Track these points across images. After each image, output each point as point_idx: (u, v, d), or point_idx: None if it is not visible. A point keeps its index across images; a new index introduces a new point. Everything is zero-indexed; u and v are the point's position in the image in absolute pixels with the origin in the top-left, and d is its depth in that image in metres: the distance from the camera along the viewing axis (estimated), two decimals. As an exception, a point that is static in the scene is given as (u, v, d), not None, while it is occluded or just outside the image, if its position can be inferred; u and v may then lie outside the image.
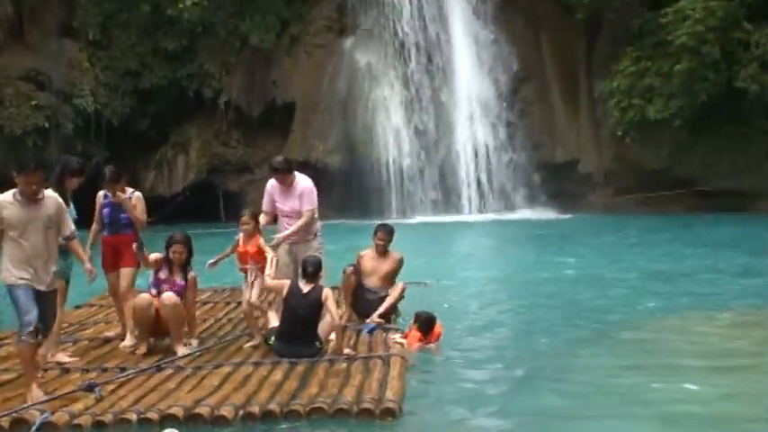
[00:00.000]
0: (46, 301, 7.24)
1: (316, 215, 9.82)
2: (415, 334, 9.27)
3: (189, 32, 37.60)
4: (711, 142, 32.35)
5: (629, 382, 7.66)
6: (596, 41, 35.92)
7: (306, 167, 36.67)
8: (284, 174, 9.67)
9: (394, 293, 10.33)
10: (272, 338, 8.69)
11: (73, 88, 36.43)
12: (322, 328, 8.50)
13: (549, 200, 36.37)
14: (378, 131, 37.08)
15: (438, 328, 9.46)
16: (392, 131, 37.14)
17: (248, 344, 9.07)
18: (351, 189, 36.09)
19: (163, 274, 8.89)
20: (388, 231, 10.70)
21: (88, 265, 8.10)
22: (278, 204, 9.65)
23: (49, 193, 7.42)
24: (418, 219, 35.03)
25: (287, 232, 9.48)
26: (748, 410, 6.77)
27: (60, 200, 7.59)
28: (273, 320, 9.02)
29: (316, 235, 9.84)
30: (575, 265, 17.93)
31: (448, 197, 37.27)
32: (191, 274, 9.00)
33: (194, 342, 9.11)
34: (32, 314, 6.99)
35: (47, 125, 35.31)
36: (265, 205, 9.80)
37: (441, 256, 20.73)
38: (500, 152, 37.30)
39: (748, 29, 30.76)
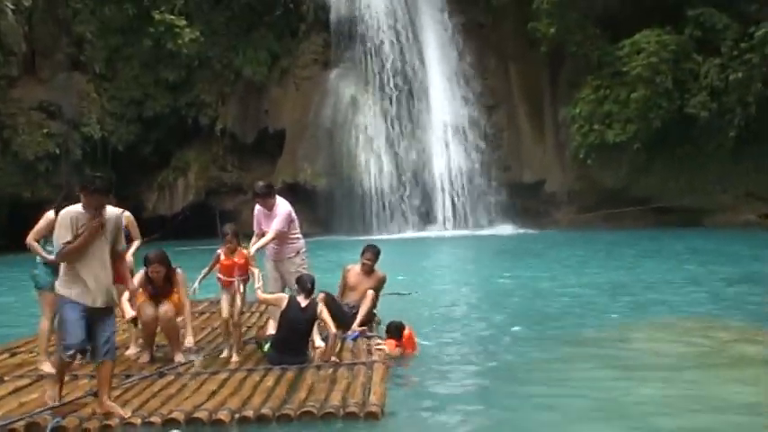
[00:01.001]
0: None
1: (297, 234, 9.87)
2: (391, 341, 9.31)
3: (187, 65, 37.75)
4: (666, 163, 32.66)
5: (597, 387, 7.66)
6: (560, 72, 36.22)
7: (295, 189, 37.10)
8: (264, 198, 9.67)
9: (366, 302, 10.30)
10: (267, 345, 8.66)
11: (81, 117, 36.45)
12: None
13: (517, 217, 36.56)
14: (360, 156, 37.26)
15: (408, 331, 9.48)
16: (373, 155, 37.32)
17: (222, 355, 8.78)
18: (336, 208, 36.25)
19: (151, 290, 8.83)
20: (374, 252, 10.66)
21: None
22: (263, 227, 9.67)
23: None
24: (397, 235, 35.13)
25: (258, 244, 9.42)
26: (708, 414, 6.78)
27: None
28: (271, 329, 8.99)
29: (298, 252, 9.82)
30: (542, 276, 17.95)
31: (424, 215, 37.43)
32: (177, 273, 8.88)
33: (190, 339, 8.94)
34: (77, 338, 6.53)
35: (57, 151, 35.28)
36: (255, 227, 9.79)
37: (417, 269, 20.74)
38: (472, 173, 37.50)
39: (698, 60, 31.15)
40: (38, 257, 8.46)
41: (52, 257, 7.41)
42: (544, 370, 8.48)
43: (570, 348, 9.60)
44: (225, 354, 8.74)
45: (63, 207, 8.30)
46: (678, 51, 30.88)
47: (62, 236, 6.56)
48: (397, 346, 9.27)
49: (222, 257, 8.82)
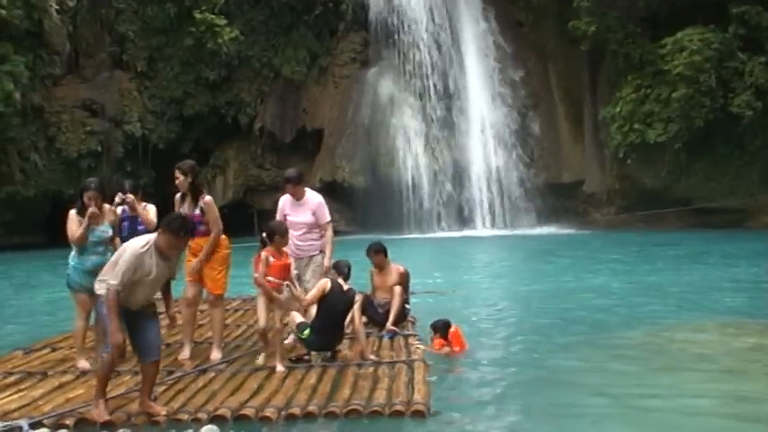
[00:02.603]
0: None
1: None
2: (438, 340, 9.23)
3: (227, 64, 38.00)
4: (708, 163, 32.15)
5: (642, 391, 7.51)
6: (599, 71, 35.83)
7: (333, 187, 37.13)
8: (296, 185, 9.46)
9: (396, 300, 10.20)
10: (307, 332, 8.43)
11: (123, 115, 36.87)
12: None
13: (555, 217, 36.29)
14: (398, 154, 37.21)
15: (455, 329, 9.38)
16: (411, 154, 37.23)
17: (258, 361, 8.37)
18: (373, 207, 36.20)
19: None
20: (377, 250, 10.56)
21: None
22: (289, 217, 9.32)
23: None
24: (434, 234, 35.02)
25: (328, 252, 9.33)
26: (745, 416, 6.62)
27: None
28: (298, 317, 8.70)
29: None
30: (582, 277, 17.74)
31: (461, 214, 37.25)
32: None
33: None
34: (119, 337, 6.28)
35: (99, 149, 35.74)
36: (278, 218, 9.35)
37: (455, 268, 20.61)
38: (510, 173, 37.27)
39: (742, 59, 30.59)
40: (70, 258, 8.44)
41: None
42: (588, 372, 8.32)
43: (614, 351, 9.40)
44: (260, 360, 8.31)
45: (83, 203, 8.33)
46: (722, 50, 30.36)
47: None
48: (443, 345, 9.18)
49: (272, 259, 8.31)
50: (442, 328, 9.36)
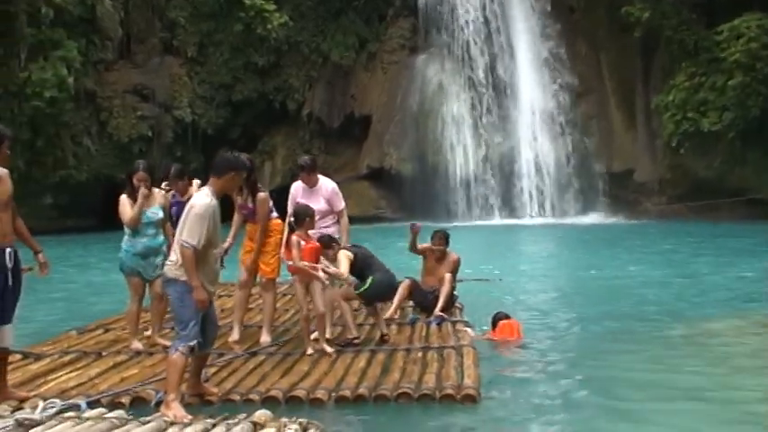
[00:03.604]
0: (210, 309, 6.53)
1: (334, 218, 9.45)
2: (492, 332, 9.36)
3: (276, 50, 38.24)
4: (763, 153, 31.42)
5: (691, 383, 7.42)
6: (653, 58, 35.26)
7: (380, 174, 37.20)
8: (310, 172, 9.35)
9: (445, 287, 10.21)
10: (369, 281, 8.54)
11: (173, 101, 37.35)
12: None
13: (605, 207, 35.93)
14: (446, 142, 37.11)
15: (508, 322, 9.40)
16: (459, 142, 37.12)
17: (308, 353, 8.09)
18: (420, 194, 36.17)
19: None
20: (443, 237, 10.57)
21: None
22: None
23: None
24: (481, 222, 34.90)
25: (345, 239, 9.22)
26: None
27: None
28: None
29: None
30: (632, 267, 17.54)
31: (510, 202, 37.05)
32: (260, 195, 8.69)
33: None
34: (198, 329, 6.22)
35: (150, 134, 36.24)
36: (290, 207, 9.16)
37: (502, 256, 20.54)
38: (560, 161, 36.97)
39: (802, 46, 29.87)
40: (122, 242, 8.54)
41: None
42: (638, 364, 8.23)
43: (665, 343, 9.30)
44: (309, 351, 8.09)
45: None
46: (781, 36, 29.67)
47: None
48: (499, 334, 9.29)
49: (302, 243, 8.23)
50: (502, 319, 9.51)
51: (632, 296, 13.09)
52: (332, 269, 8.40)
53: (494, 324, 9.53)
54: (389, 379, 6.95)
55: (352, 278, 8.78)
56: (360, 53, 39.13)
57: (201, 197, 6.26)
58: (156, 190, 8.67)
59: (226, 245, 8.28)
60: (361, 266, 8.66)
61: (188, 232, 6.12)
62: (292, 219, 8.45)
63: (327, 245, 8.61)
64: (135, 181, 8.39)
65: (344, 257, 8.57)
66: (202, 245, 6.11)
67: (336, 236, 9.08)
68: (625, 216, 34.29)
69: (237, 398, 6.55)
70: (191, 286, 6.11)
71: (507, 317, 9.58)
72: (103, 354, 8.28)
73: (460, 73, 38.24)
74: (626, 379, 7.47)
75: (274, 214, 8.94)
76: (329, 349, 8.05)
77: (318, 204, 9.13)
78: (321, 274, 8.23)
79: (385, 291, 8.97)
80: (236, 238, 8.85)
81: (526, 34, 38.43)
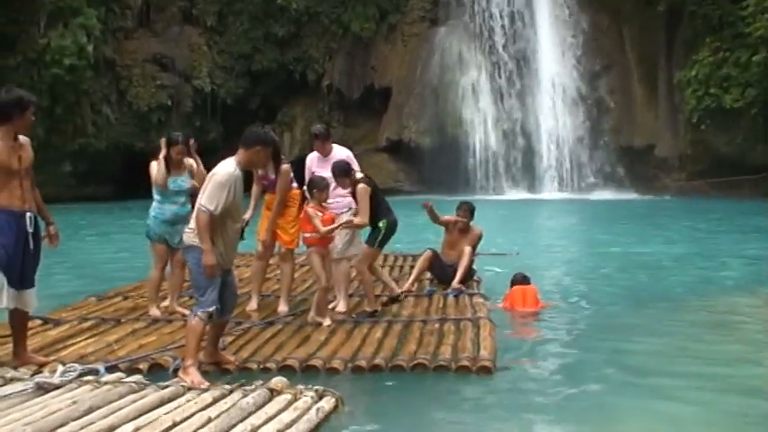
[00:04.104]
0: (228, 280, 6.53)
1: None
2: (515, 290, 9.38)
3: (296, 20, 38.11)
4: (787, 131, 31.16)
5: (708, 353, 7.42)
6: (676, 32, 34.87)
7: (399, 146, 37.12)
8: (324, 140, 9.26)
9: (464, 259, 10.20)
10: (382, 223, 8.47)
11: (192, 70, 37.36)
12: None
13: (625, 182, 35.79)
14: (466, 115, 36.98)
15: (521, 288, 9.43)
16: (479, 115, 36.97)
17: (325, 323, 8.02)
18: (439, 167, 36.08)
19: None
20: (468, 209, 10.52)
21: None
22: (317, 173, 8.95)
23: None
24: (501, 196, 34.82)
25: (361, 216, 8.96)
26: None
27: None
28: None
29: (350, 208, 9.08)
30: (649, 243, 17.48)
31: (529, 177, 36.94)
32: (283, 167, 8.63)
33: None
34: (216, 295, 6.23)
35: (169, 103, 36.27)
36: (307, 175, 9.04)
37: (520, 230, 20.50)
38: (580, 136, 36.78)
39: (829, 21, 29.44)
40: (151, 209, 8.56)
41: None
42: (656, 337, 8.21)
43: (684, 317, 9.26)
44: (327, 323, 8.03)
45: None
46: (807, 12, 29.26)
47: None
48: (509, 300, 9.32)
49: (319, 214, 8.22)
50: (521, 281, 9.57)
51: (651, 272, 13.01)
52: (357, 219, 8.39)
53: (511, 286, 9.54)
54: (406, 350, 6.96)
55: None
56: (380, 25, 38.92)
57: (226, 166, 6.25)
58: (187, 159, 8.66)
59: (246, 216, 8.27)
60: (377, 202, 8.52)
61: (207, 198, 6.13)
62: (306, 190, 8.44)
63: (346, 172, 8.45)
64: (173, 154, 8.40)
65: (365, 193, 8.39)
66: (220, 212, 6.11)
67: (352, 207, 9.02)
68: (644, 192, 34.14)
69: (254, 366, 6.58)
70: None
71: (525, 280, 9.52)
72: (122, 321, 8.33)
73: (481, 46, 38.01)
74: (643, 353, 7.43)
75: (294, 185, 8.93)
76: (326, 322, 8.01)
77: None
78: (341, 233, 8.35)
79: (393, 232, 8.69)
80: (256, 209, 8.84)
81: (548, 7, 38.11)
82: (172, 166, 8.44)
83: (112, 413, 4.94)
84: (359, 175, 8.67)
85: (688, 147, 34.09)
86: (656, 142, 35.44)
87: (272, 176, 8.75)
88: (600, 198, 33.70)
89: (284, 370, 6.38)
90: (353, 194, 8.58)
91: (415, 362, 6.58)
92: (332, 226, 8.22)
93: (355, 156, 9.70)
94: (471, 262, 10.38)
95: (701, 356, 7.28)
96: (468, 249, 10.27)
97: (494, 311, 8.89)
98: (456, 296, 9.53)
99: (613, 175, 36.32)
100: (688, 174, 34.70)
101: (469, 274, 10.39)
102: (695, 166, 34.16)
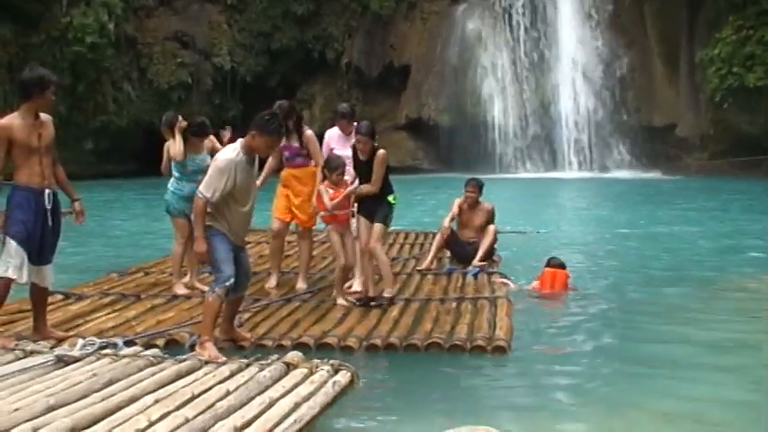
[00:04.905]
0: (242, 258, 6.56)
1: None
2: (546, 273, 9.27)
3: (315, -2, 37.92)
4: (810, 109, 30.74)
5: (729, 336, 7.34)
6: (698, 10, 34.41)
7: (418, 125, 37.00)
8: (350, 119, 9.19)
9: (487, 237, 10.21)
10: (393, 201, 8.28)
11: (212, 48, 37.37)
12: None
13: (645, 161, 35.49)
14: (485, 93, 36.76)
15: (552, 271, 9.33)
16: (499, 93, 36.75)
17: (340, 302, 8.06)
18: (458, 146, 36.04)
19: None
20: (476, 185, 10.50)
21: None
22: (336, 151, 8.86)
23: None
24: (519, 175, 34.69)
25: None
26: None
27: None
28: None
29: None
30: (670, 223, 17.36)
31: (548, 155, 36.75)
32: (307, 132, 8.76)
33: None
34: (232, 269, 6.24)
35: (189, 81, 36.30)
36: (325, 154, 8.91)
37: (540, 209, 20.41)
38: (600, 114, 36.47)
39: None
40: (169, 184, 8.62)
41: None
42: (677, 319, 8.16)
43: (704, 299, 9.20)
44: (341, 301, 8.02)
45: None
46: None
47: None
48: (540, 282, 9.26)
49: (330, 191, 8.09)
50: (558, 267, 9.40)
51: (674, 254, 12.88)
52: (366, 187, 8.14)
53: (549, 266, 9.43)
54: (421, 329, 6.97)
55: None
56: (399, 3, 38.67)
57: (227, 151, 6.31)
58: (209, 137, 8.72)
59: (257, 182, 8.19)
60: (389, 172, 8.28)
61: (204, 184, 6.20)
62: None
63: (371, 133, 8.17)
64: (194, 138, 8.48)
65: (384, 163, 8.15)
66: (222, 197, 6.13)
67: None
68: (665, 171, 33.85)
69: (270, 343, 6.62)
70: (216, 231, 6.22)
71: (560, 265, 9.42)
72: (142, 296, 8.41)
73: (501, 23, 37.73)
74: (664, 339, 7.30)
75: (312, 162, 8.93)
76: (344, 302, 7.99)
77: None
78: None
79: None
80: (265, 184, 8.50)
81: (568, -16, 37.69)
82: (189, 144, 8.47)
83: (132, 385, 4.99)
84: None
85: (710, 126, 33.71)
86: (678, 121, 35.09)
87: (296, 144, 8.74)
88: (620, 177, 33.46)
89: (299, 347, 6.40)
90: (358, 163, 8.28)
91: (430, 341, 6.59)
92: (337, 199, 8.07)
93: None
94: (494, 240, 10.38)
95: (725, 344, 7.09)
96: (491, 228, 10.31)
97: (519, 293, 8.87)
98: (475, 275, 9.52)
99: (633, 154, 36.03)
100: (710, 153, 34.36)
101: (491, 252, 10.40)
102: (717, 146, 33.82)
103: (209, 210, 6.20)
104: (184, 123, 8.54)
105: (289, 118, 8.56)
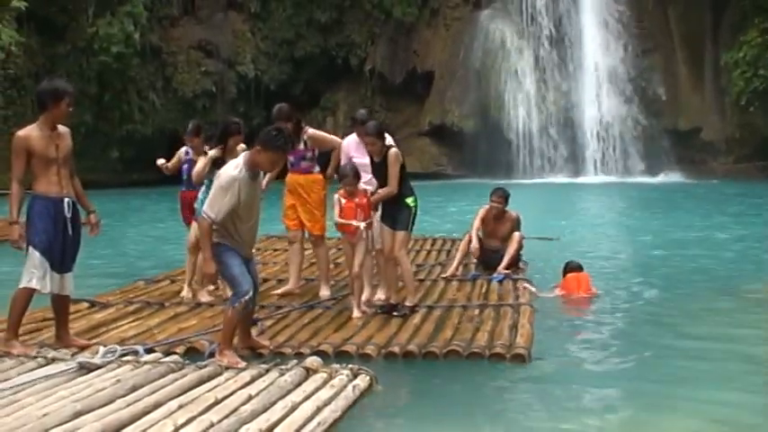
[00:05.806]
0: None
1: None
2: (570, 278, 9.24)
3: (338, 6, 38.18)
4: (837, 112, 30.40)
5: (756, 344, 7.24)
6: (723, 13, 34.15)
7: (442, 130, 36.99)
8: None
9: (513, 244, 10.17)
10: (413, 204, 8.03)
11: (236, 56, 37.61)
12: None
13: (670, 166, 35.19)
14: (509, 99, 36.68)
15: (575, 275, 9.30)
16: (522, 99, 36.66)
17: (354, 315, 7.86)
18: (482, 151, 35.97)
19: None
20: (502, 195, 10.41)
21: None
22: (355, 159, 8.63)
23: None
24: (544, 180, 34.56)
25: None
26: None
27: None
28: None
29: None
30: (695, 227, 17.19)
31: (573, 160, 36.58)
32: (309, 130, 8.80)
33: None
34: (250, 284, 6.23)
35: (214, 89, 36.56)
36: (343, 161, 8.82)
37: (564, 215, 20.30)
38: (624, 119, 36.26)
39: None
40: (200, 193, 8.49)
41: None
42: (703, 324, 8.06)
43: (732, 304, 9.05)
44: (355, 314, 7.85)
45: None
46: None
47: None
48: (565, 287, 9.22)
49: (343, 201, 7.92)
50: (577, 269, 9.40)
51: (699, 258, 12.71)
52: (384, 190, 7.97)
53: (564, 274, 9.41)
54: (441, 336, 6.94)
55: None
56: (422, 9, 38.71)
57: (229, 168, 6.21)
58: (240, 146, 8.61)
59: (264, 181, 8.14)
60: (403, 176, 8.01)
61: (208, 203, 6.14)
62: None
63: (380, 132, 8.00)
64: (232, 143, 8.41)
65: (397, 162, 7.92)
66: (226, 215, 6.06)
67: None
68: (690, 175, 33.55)
69: (288, 350, 6.62)
70: (225, 247, 6.17)
71: (579, 267, 9.40)
72: (165, 304, 8.47)
73: (524, 29, 37.63)
74: (688, 348, 7.13)
75: (316, 169, 8.93)
76: (358, 313, 7.81)
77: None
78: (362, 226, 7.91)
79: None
80: (265, 192, 8.17)
81: (591, -12, 37.55)
82: (227, 154, 8.22)
83: (156, 391, 5.06)
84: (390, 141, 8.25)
85: (735, 130, 33.44)
86: (703, 125, 34.83)
87: (301, 147, 8.75)
88: (644, 181, 33.23)
89: (318, 355, 6.40)
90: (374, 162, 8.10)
91: (449, 348, 6.55)
92: (347, 221, 7.89)
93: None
94: (520, 247, 10.35)
95: (749, 354, 6.88)
96: (517, 235, 10.28)
97: (545, 299, 8.82)
98: (500, 281, 9.49)
99: (658, 158, 35.74)
100: (735, 157, 34.09)
101: (517, 259, 10.36)
102: (742, 150, 33.53)
103: (214, 227, 6.13)
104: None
105: (289, 121, 8.61)
